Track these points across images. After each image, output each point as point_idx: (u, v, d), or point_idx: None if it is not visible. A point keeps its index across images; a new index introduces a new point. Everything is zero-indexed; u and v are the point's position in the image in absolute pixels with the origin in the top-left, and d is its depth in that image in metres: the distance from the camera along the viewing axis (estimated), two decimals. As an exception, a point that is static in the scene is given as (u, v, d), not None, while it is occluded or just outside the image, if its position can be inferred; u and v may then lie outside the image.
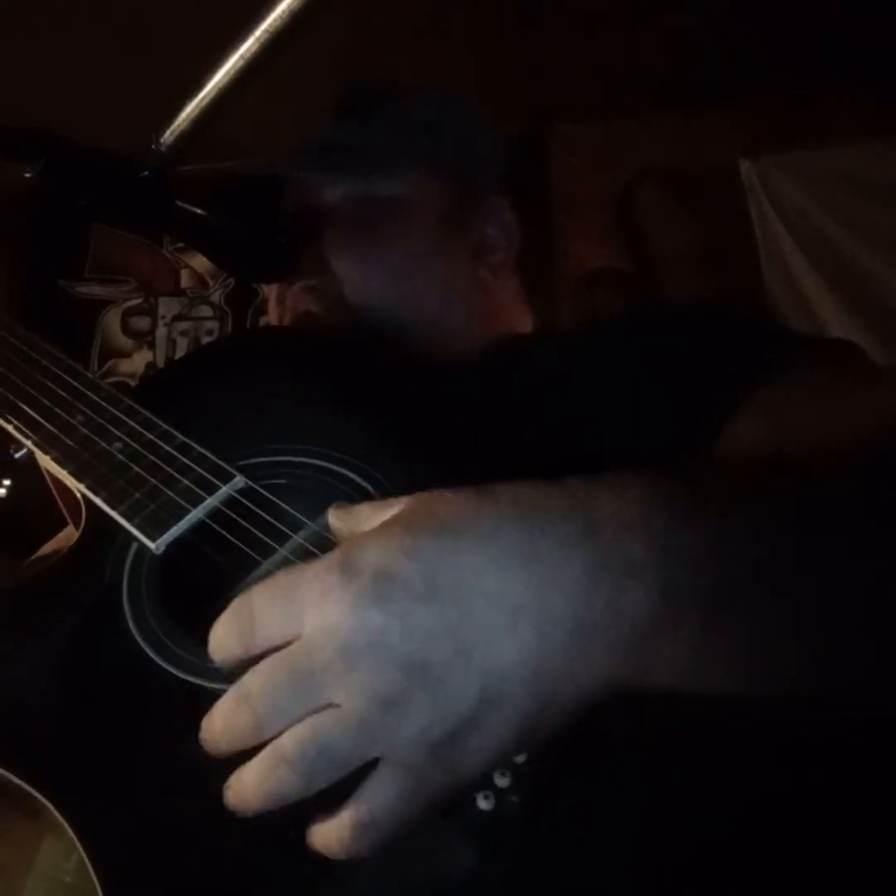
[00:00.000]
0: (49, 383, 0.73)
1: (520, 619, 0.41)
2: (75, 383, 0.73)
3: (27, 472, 0.73)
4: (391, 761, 0.41)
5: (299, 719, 0.42)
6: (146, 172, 0.83)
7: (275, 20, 0.74)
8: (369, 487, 0.62)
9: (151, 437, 0.67)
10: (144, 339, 2.48)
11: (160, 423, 0.67)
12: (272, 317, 0.97)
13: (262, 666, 0.43)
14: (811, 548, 0.44)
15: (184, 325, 2.48)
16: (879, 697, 0.44)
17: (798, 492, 0.46)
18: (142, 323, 2.50)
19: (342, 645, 0.41)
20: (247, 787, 0.42)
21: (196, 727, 0.44)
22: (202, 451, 0.65)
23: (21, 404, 0.72)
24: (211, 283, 2.51)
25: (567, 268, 2.34)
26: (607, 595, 0.41)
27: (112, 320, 2.49)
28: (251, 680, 0.43)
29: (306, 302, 0.89)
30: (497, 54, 2.23)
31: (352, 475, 0.63)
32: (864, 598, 0.43)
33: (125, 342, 2.47)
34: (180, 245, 2.47)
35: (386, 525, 0.45)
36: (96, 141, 0.86)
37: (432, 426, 0.70)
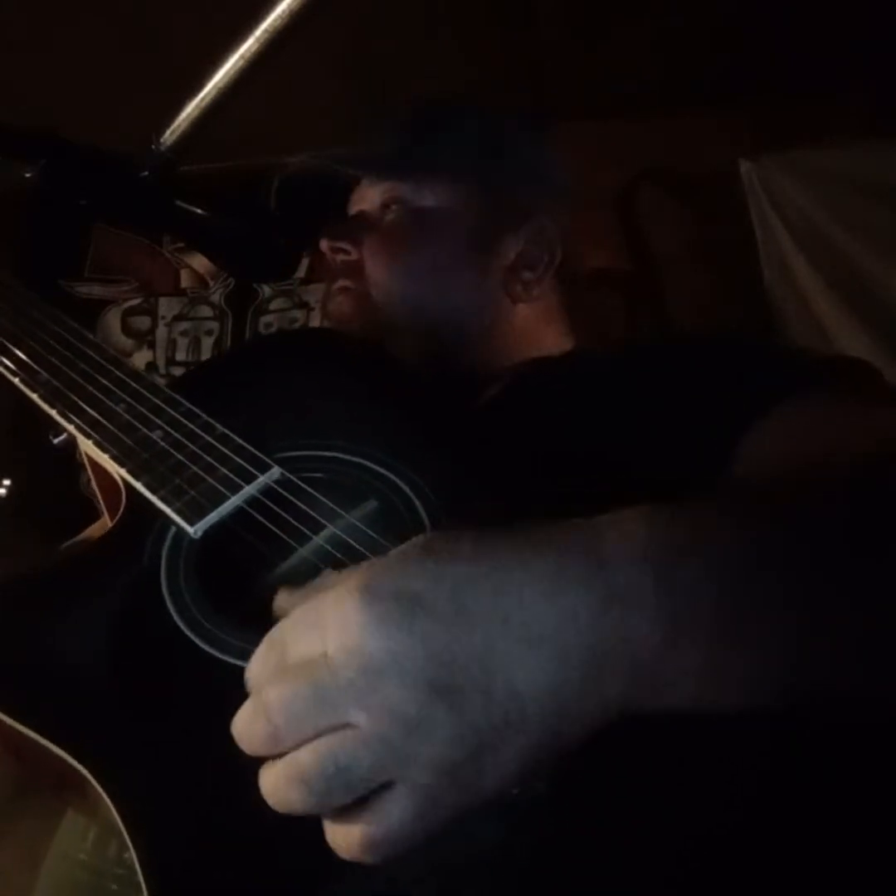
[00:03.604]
0: (93, 372, 0.75)
1: (540, 647, 0.42)
2: (119, 373, 0.75)
3: (63, 459, 0.75)
4: (408, 782, 0.41)
5: (316, 736, 0.41)
6: (146, 172, 0.83)
7: (275, 20, 0.75)
8: (405, 487, 0.65)
9: (192, 427, 0.69)
10: (144, 339, 2.47)
11: (201, 414, 0.70)
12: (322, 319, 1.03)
13: (284, 678, 0.42)
14: (802, 571, 0.46)
15: (184, 325, 2.48)
16: (881, 707, 0.47)
17: (789, 518, 0.49)
18: (142, 323, 2.50)
19: (366, 664, 0.41)
20: (266, 793, 0.43)
21: (229, 706, 0.45)
22: (241, 442, 0.67)
23: (66, 391, 0.74)
24: (211, 283, 2.51)
25: (567, 268, 2.34)
26: (616, 624, 0.43)
27: (112, 320, 2.49)
28: (270, 691, 0.42)
29: (342, 304, 0.95)
30: (497, 54, 2.22)
31: (389, 475, 0.66)
32: (855, 614, 0.46)
33: (125, 342, 2.46)
34: (180, 245, 2.47)
35: (404, 553, 0.45)
36: (96, 141, 0.86)
37: (471, 438, 0.74)
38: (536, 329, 0.97)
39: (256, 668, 0.45)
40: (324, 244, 0.98)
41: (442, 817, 0.42)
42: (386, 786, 0.41)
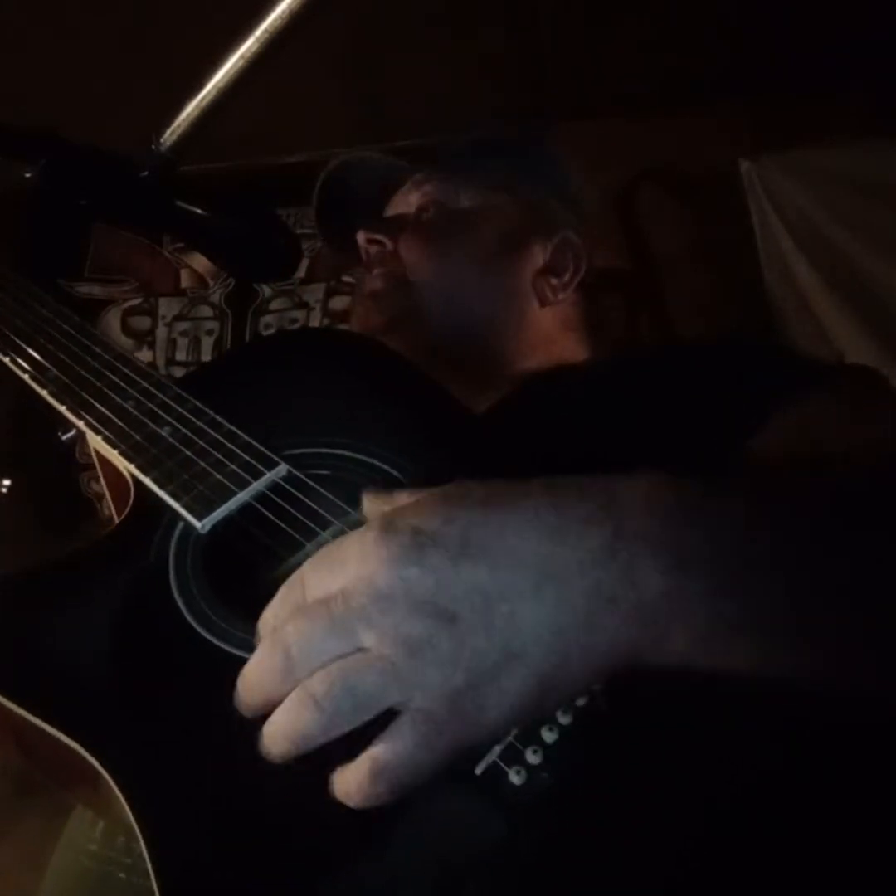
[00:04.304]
0: (102, 369, 0.76)
1: (544, 584, 0.44)
2: (126, 370, 0.75)
3: (63, 458, 0.75)
4: (412, 708, 0.43)
5: (330, 661, 0.44)
6: (146, 172, 0.83)
7: (275, 20, 0.75)
8: (405, 481, 0.65)
9: (200, 423, 0.69)
10: (144, 339, 2.47)
11: (208, 411, 0.70)
12: (355, 310, 1.06)
13: (301, 613, 0.45)
14: (805, 536, 0.48)
15: (184, 325, 2.48)
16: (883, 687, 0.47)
17: (795, 490, 0.51)
18: (142, 323, 2.50)
19: (377, 592, 0.44)
20: (275, 729, 0.45)
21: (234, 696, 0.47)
22: (248, 439, 0.68)
23: (75, 387, 0.74)
24: (211, 283, 2.51)
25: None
26: (622, 567, 0.44)
27: (112, 320, 2.49)
28: (288, 626, 0.45)
29: (376, 280, 0.99)
30: (496, 54, 2.22)
31: (395, 473, 0.67)
32: (853, 581, 0.47)
33: (125, 342, 2.46)
34: (180, 245, 2.47)
35: (422, 500, 0.48)
36: (96, 141, 0.86)
37: (478, 438, 0.76)
38: (557, 334, 1.01)
39: (273, 610, 0.47)
40: (361, 236, 1.02)
41: (445, 751, 0.44)
42: (391, 713, 0.43)
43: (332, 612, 0.44)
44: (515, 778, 0.48)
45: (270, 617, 0.48)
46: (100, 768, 0.52)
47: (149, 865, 0.48)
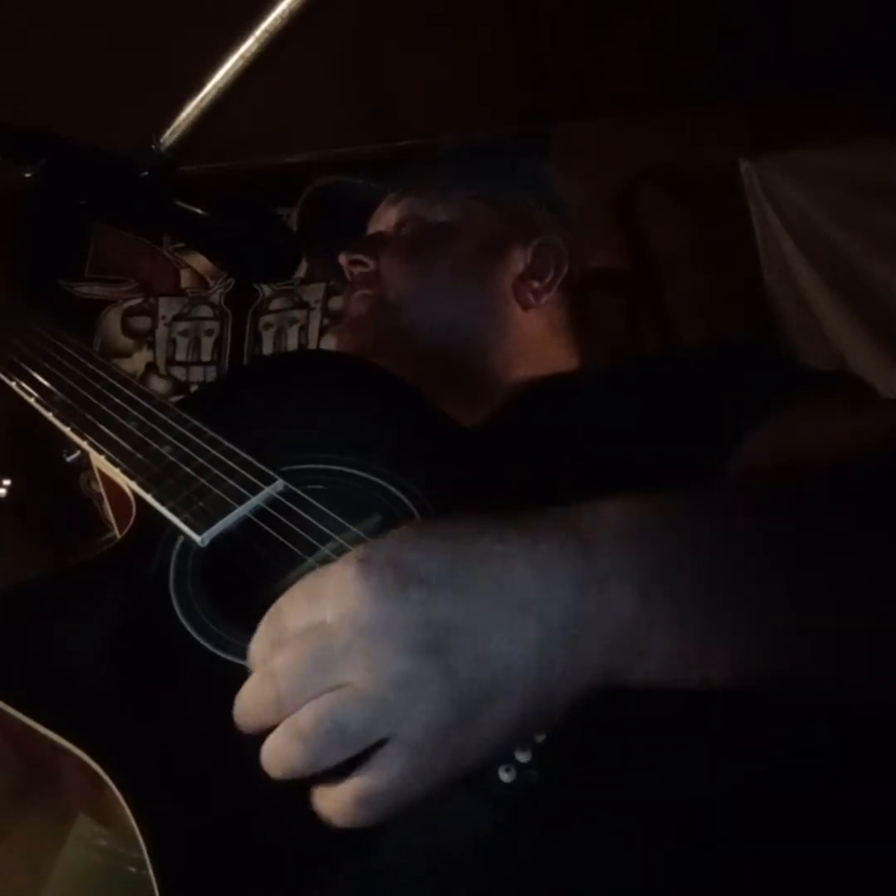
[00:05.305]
0: (104, 391, 0.79)
1: (525, 615, 0.45)
2: (128, 392, 0.79)
3: (76, 474, 0.79)
4: (399, 741, 0.43)
5: (317, 696, 0.44)
6: (146, 172, 0.83)
7: (275, 20, 0.75)
8: (407, 500, 0.68)
9: (199, 442, 0.72)
10: (144, 339, 2.47)
11: (207, 430, 0.73)
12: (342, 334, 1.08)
13: (288, 647, 0.45)
14: (769, 552, 0.49)
15: (184, 325, 2.48)
16: (861, 689, 0.48)
17: (767, 508, 0.52)
18: (142, 323, 2.49)
19: (362, 628, 0.44)
20: (267, 757, 0.45)
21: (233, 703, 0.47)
22: (246, 456, 0.70)
23: (79, 409, 0.77)
24: (211, 283, 2.51)
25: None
26: (596, 594, 0.46)
27: (112, 320, 2.49)
28: (276, 659, 0.45)
29: (359, 305, 1.01)
30: (496, 54, 2.22)
31: (390, 487, 0.69)
32: (820, 593, 0.49)
33: (125, 342, 2.46)
34: (180, 245, 2.47)
35: (400, 532, 0.48)
36: (96, 141, 0.86)
37: (472, 453, 0.77)
38: (544, 338, 1.01)
39: (257, 645, 0.48)
40: (343, 258, 1.04)
41: (433, 779, 0.44)
42: (379, 744, 0.43)
43: (319, 647, 0.44)
44: (505, 775, 0.49)
45: (255, 648, 0.48)
46: (103, 773, 0.52)
47: (150, 870, 0.48)
